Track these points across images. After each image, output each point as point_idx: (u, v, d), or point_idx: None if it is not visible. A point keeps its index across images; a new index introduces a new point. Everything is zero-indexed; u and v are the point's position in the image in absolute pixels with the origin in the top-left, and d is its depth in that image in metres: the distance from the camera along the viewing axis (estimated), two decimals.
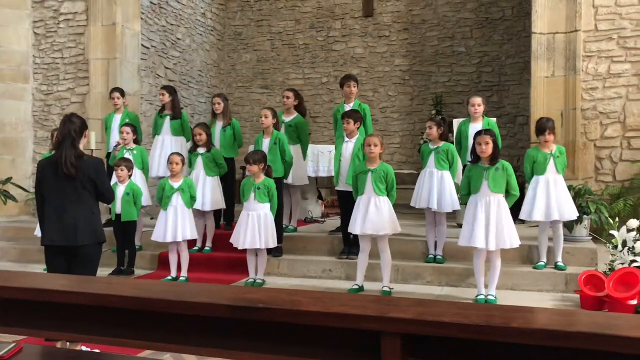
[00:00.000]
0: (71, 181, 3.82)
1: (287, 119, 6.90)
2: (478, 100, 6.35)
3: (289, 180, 6.69)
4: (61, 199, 3.85)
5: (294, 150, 6.72)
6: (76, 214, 3.83)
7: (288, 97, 6.91)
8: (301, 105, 7.05)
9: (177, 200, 6.02)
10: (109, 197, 4.10)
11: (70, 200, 3.84)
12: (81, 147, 3.96)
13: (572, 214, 5.76)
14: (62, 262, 3.88)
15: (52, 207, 3.88)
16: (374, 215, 5.35)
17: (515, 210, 5.50)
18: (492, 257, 5.12)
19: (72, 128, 3.88)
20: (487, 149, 4.96)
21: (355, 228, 5.44)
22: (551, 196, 5.64)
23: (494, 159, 5.01)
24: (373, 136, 5.54)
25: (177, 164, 6.05)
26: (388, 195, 5.43)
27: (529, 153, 5.96)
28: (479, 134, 5.11)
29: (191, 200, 6.11)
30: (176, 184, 6.05)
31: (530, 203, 5.73)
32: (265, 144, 6.40)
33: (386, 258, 5.52)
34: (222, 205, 6.71)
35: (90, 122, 8.36)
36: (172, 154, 6.24)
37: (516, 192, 5.07)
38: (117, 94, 7.47)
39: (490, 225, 4.93)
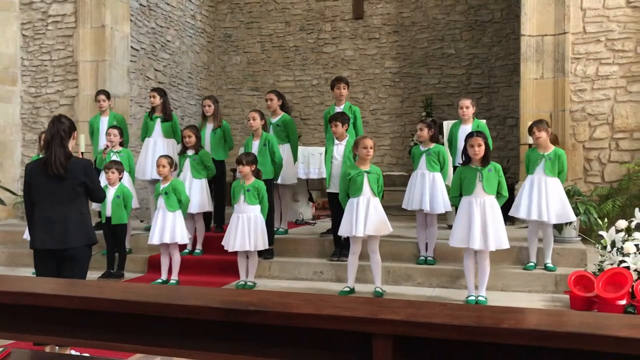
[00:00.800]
0: (61, 182, 3.79)
1: (274, 119, 6.91)
2: (466, 102, 6.37)
3: (278, 180, 6.69)
4: (50, 201, 3.82)
5: (283, 149, 6.72)
6: (66, 216, 3.80)
7: (271, 99, 6.90)
8: (285, 105, 7.07)
9: (161, 203, 6.01)
10: (100, 196, 4.09)
11: (60, 202, 3.80)
12: (69, 148, 3.93)
13: (563, 217, 5.76)
14: (52, 265, 3.84)
15: (42, 210, 3.84)
16: (374, 216, 5.36)
17: (504, 211, 5.54)
18: (480, 258, 5.13)
19: (61, 128, 3.86)
20: (480, 151, 4.98)
21: (357, 230, 5.36)
22: (541, 197, 5.66)
23: (485, 160, 5.03)
24: (369, 138, 5.56)
25: (163, 166, 6.03)
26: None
27: (526, 152, 6.11)
28: (470, 135, 5.12)
29: (180, 203, 6.05)
30: (162, 187, 6.04)
31: (522, 202, 5.79)
32: (255, 146, 6.39)
33: (377, 259, 5.52)
34: (208, 207, 6.68)
35: (79, 124, 8.30)
36: (160, 156, 6.22)
37: (506, 193, 5.13)
38: (102, 97, 7.43)
39: (487, 226, 4.96)
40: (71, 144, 3.95)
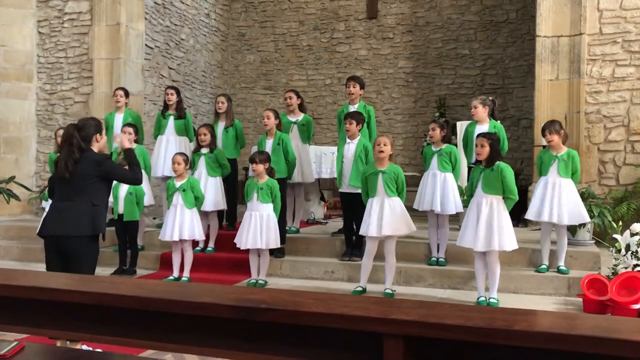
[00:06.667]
0: (68, 181, 3.90)
1: (296, 118, 6.96)
2: (474, 102, 6.33)
3: (299, 178, 6.77)
4: (59, 195, 3.96)
5: (304, 148, 6.83)
6: (71, 206, 3.86)
7: (291, 98, 6.96)
8: (302, 104, 7.13)
9: (177, 200, 6.03)
10: (131, 177, 4.25)
11: (67, 197, 3.89)
12: (95, 149, 4.03)
13: (576, 218, 5.73)
14: (56, 257, 3.87)
15: (54, 199, 4.02)
16: (389, 216, 5.34)
17: (516, 213, 5.51)
18: (490, 260, 5.09)
19: (74, 134, 3.95)
20: (483, 152, 4.97)
21: (371, 230, 5.36)
22: (554, 198, 5.64)
23: (490, 161, 5.00)
24: (383, 136, 5.61)
25: (178, 163, 6.05)
26: (398, 196, 5.43)
27: (538, 154, 6.09)
28: (477, 137, 5.16)
29: (196, 200, 6.09)
30: (178, 184, 6.06)
31: (535, 204, 5.78)
32: (268, 145, 6.41)
33: (392, 260, 5.51)
34: (222, 205, 6.71)
35: None
36: (176, 153, 6.25)
37: (513, 196, 4.97)
38: (120, 92, 7.48)
39: (491, 226, 4.91)
40: (100, 143, 4.10)
